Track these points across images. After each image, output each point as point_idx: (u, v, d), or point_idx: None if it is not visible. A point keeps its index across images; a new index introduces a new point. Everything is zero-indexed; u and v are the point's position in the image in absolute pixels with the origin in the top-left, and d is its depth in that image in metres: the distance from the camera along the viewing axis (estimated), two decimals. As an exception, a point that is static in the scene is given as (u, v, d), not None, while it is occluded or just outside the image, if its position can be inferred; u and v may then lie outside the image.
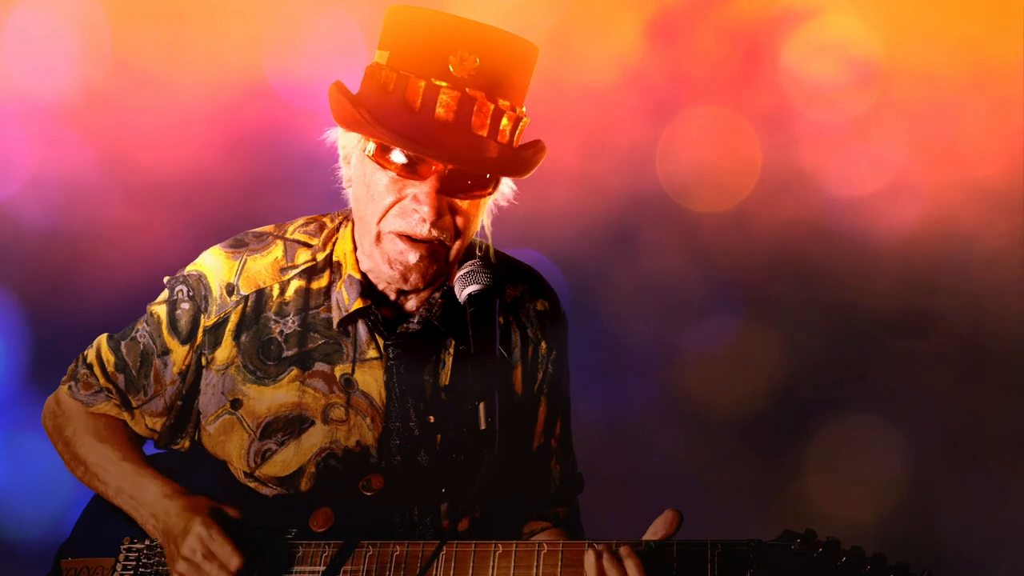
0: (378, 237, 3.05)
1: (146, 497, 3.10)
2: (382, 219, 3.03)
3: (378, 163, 3.01)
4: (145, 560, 3.11)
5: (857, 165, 4.84)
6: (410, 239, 3.02)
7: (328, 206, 3.32)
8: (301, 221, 3.25)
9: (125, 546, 3.14)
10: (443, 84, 2.95)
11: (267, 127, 4.67)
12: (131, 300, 3.48)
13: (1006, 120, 4.76)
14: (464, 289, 2.98)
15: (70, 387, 3.26)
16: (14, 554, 4.59)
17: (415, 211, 3.00)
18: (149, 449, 3.28)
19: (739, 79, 4.85)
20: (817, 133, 4.83)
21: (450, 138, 2.96)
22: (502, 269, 3.14)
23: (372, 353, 3.12)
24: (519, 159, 3.06)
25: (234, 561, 2.96)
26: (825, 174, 4.84)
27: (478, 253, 3.17)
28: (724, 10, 4.84)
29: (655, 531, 2.87)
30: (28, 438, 4.62)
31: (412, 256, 3.03)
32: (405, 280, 3.07)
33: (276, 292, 3.16)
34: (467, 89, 2.96)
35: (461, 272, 3.00)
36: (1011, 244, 4.79)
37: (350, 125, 3.03)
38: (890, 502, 4.74)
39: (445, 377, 3.15)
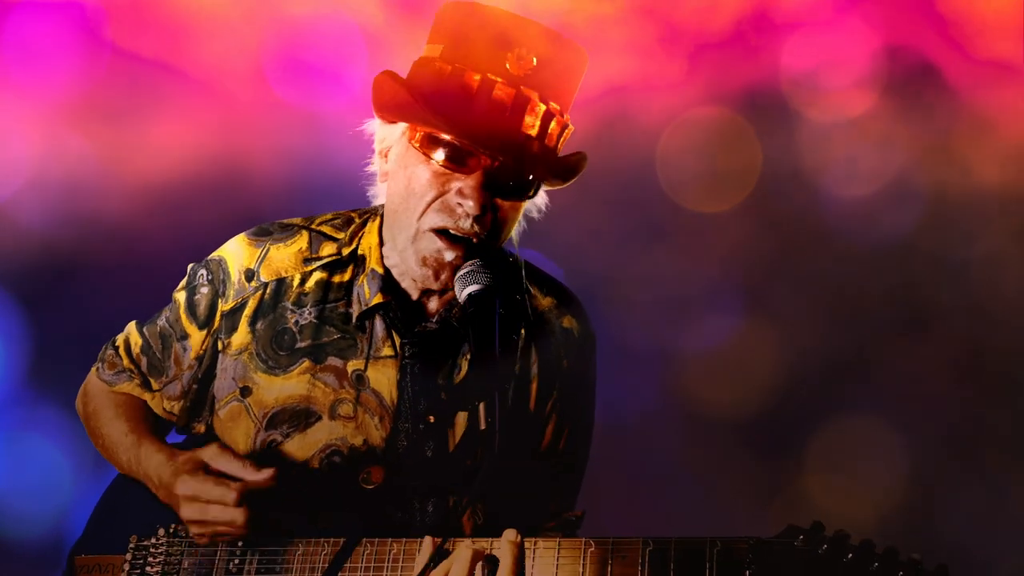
0: (416, 234, 3.02)
1: (147, 469, 3.11)
2: (423, 215, 3.00)
3: (424, 154, 2.99)
4: (152, 559, 3.11)
5: (857, 165, 4.84)
6: (448, 238, 3.00)
7: (330, 206, 3.32)
8: (330, 215, 3.24)
9: (132, 545, 3.14)
10: (499, 80, 2.94)
11: (267, 127, 4.67)
12: (131, 300, 3.48)
13: (1006, 120, 4.76)
14: (464, 289, 2.97)
15: (98, 368, 3.31)
16: (14, 554, 4.59)
17: (459, 205, 2.98)
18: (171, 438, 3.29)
19: (739, 79, 4.85)
20: (817, 133, 4.82)
21: (501, 132, 2.94)
22: (532, 279, 3.14)
23: (387, 351, 3.11)
24: (565, 165, 3.05)
25: (230, 496, 2.94)
26: (825, 174, 4.84)
27: (510, 260, 3.15)
28: (724, 10, 4.84)
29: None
30: (28, 438, 4.62)
31: (448, 254, 3.01)
32: (436, 277, 3.04)
33: (296, 282, 3.15)
34: (522, 88, 2.95)
35: (461, 272, 2.99)
36: (1011, 244, 4.78)
37: (399, 111, 3.00)
38: (890, 502, 4.73)
39: (459, 381, 3.13)
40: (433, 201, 3.00)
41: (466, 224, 2.98)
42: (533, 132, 2.97)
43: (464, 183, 2.97)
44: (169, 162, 4.64)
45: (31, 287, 4.70)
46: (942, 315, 4.82)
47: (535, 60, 2.95)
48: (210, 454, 3.01)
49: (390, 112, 3.04)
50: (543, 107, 2.96)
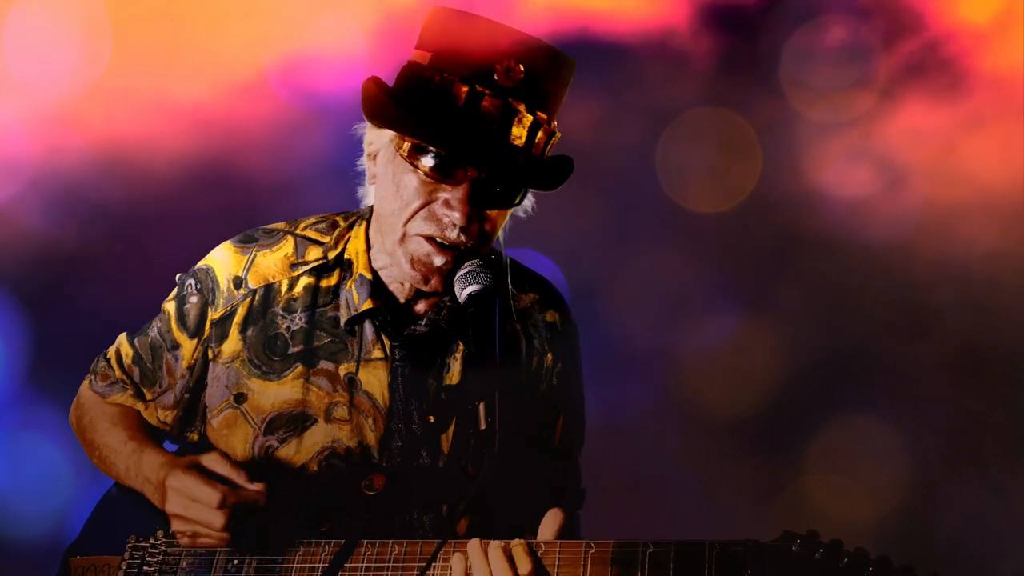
0: (403, 237, 3.04)
1: (146, 472, 3.11)
2: (410, 221, 3.02)
3: (411, 163, 3.00)
4: (150, 559, 3.12)
5: (857, 165, 4.84)
6: (437, 243, 3.02)
7: (329, 206, 3.32)
8: (313, 219, 3.25)
9: (131, 544, 3.14)
10: (487, 92, 2.94)
11: (267, 127, 4.67)
12: (131, 300, 3.49)
13: (1006, 120, 4.76)
14: (464, 289, 2.98)
15: (90, 381, 3.32)
16: (14, 554, 4.60)
17: (445, 216, 2.99)
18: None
19: (739, 79, 4.85)
20: (817, 133, 4.83)
21: (489, 146, 2.95)
22: (513, 275, 3.16)
23: (377, 353, 3.12)
24: (551, 174, 3.05)
25: (214, 497, 2.95)
26: (825, 174, 4.84)
27: (492, 257, 3.16)
28: (724, 10, 4.84)
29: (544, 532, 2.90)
30: (28, 438, 4.62)
31: (437, 259, 3.03)
32: (426, 282, 3.06)
33: (285, 288, 3.16)
34: (510, 99, 2.95)
35: (461, 272, 3.00)
36: (1011, 244, 4.78)
37: (387, 122, 3.01)
38: (890, 502, 4.73)
39: (450, 380, 3.14)
40: (420, 209, 3.01)
41: (452, 234, 3.00)
42: (520, 143, 2.98)
43: (451, 195, 2.98)
44: (169, 163, 4.64)
45: (31, 287, 4.70)
46: (942, 315, 4.82)
47: (523, 71, 2.95)
48: (209, 459, 3.03)
49: (377, 120, 3.05)
50: (530, 118, 2.97)
